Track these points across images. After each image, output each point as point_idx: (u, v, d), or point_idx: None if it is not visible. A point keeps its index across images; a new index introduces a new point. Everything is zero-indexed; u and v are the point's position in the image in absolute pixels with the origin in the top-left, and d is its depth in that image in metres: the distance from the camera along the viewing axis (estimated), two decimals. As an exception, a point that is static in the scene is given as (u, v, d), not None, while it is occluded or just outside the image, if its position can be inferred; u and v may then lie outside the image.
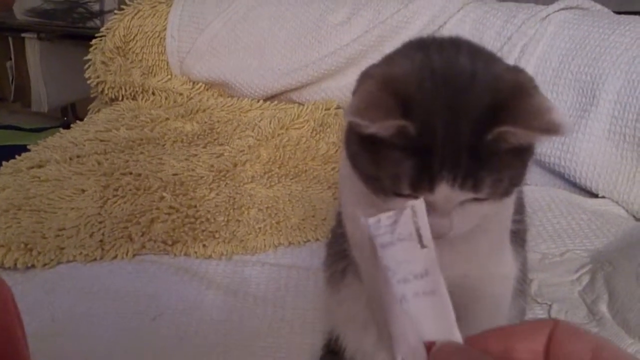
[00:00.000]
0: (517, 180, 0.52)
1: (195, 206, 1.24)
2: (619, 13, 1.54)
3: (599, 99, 1.35)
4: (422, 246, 0.43)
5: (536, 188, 1.35)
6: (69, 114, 3.14)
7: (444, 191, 0.49)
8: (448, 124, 0.48)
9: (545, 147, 1.40)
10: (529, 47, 1.47)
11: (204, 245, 1.14)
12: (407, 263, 0.42)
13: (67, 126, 1.80)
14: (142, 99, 1.85)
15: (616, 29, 1.40)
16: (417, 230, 0.43)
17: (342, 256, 0.75)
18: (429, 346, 0.38)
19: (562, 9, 1.52)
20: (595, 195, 1.35)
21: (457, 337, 0.39)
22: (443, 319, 0.40)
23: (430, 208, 0.48)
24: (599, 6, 1.58)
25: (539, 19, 1.50)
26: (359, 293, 0.75)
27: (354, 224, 0.66)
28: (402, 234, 0.43)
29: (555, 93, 1.43)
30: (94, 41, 1.94)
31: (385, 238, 0.43)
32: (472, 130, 0.48)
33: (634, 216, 1.29)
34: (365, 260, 0.69)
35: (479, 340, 0.38)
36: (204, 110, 1.77)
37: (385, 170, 0.51)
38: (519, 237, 0.72)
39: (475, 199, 0.51)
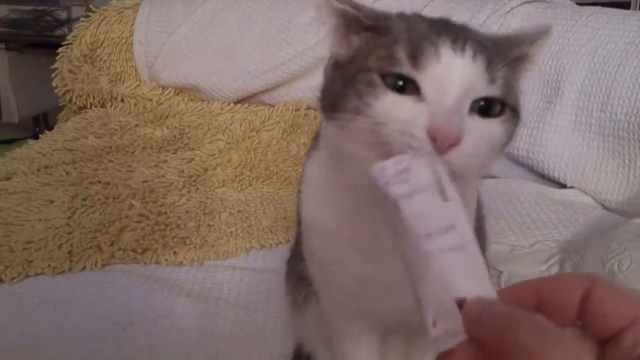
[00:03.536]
0: (518, 103, 0.51)
1: (166, 213, 1.24)
2: (583, 4, 1.56)
3: (564, 91, 1.37)
4: (445, 199, 0.40)
5: (505, 180, 1.36)
6: (41, 124, 3.11)
7: (452, 61, 0.46)
8: (444, 23, 0.52)
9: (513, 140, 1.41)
10: (493, 41, 1.48)
11: (174, 252, 1.13)
12: (428, 217, 0.39)
13: (38, 137, 1.78)
14: (110, 106, 1.84)
15: (578, 21, 1.42)
16: (439, 182, 0.41)
17: (303, 284, 0.74)
18: (460, 303, 0.35)
19: (525, 2, 1.54)
20: (564, 186, 1.36)
21: (491, 292, 0.36)
22: (474, 275, 0.37)
23: (440, 100, 0.45)
24: (561, -2, 1.60)
25: (502, 13, 1.52)
26: (320, 316, 0.74)
27: (315, 233, 0.64)
28: (421, 185, 0.40)
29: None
30: (60, 49, 1.93)
31: (400, 188, 0.40)
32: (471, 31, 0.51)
33: (602, 205, 1.30)
34: (322, 276, 0.67)
35: (511, 294, 0.36)
36: (174, 116, 1.76)
37: (376, 53, 0.48)
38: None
39: (487, 114, 0.48)
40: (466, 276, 0.37)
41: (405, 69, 0.46)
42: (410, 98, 0.46)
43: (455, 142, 0.44)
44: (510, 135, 0.50)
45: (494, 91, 0.47)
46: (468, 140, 0.44)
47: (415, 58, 0.46)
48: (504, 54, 0.50)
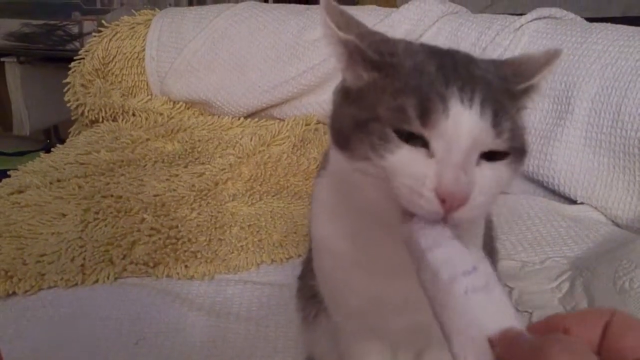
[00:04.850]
0: (524, 142, 0.51)
1: (177, 227, 1.24)
2: (594, 19, 1.56)
3: (574, 107, 1.37)
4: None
5: (515, 196, 1.37)
6: (52, 136, 3.13)
7: (460, 116, 0.45)
8: (451, 62, 0.50)
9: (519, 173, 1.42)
10: (503, 57, 1.48)
11: (186, 266, 1.14)
12: (453, 261, 0.41)
13: (49, 149, 1.80)
14: (122, 120, 1.85)
15: (588, 37, 1.42)
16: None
17: (315, 301, 0.74)
18: (490, 340, 0.37)
19: (535, 19, 1.54)
20: (574, 202, 1.36)
21: (520, 325, 0.38)
22: (500, 311, 0.39)
23: (448, 158, 0.45)
24: (571, 15, 1.60)
25: (512, 29, 1.52)
26: (331, 332, 0.74)
27: (324, 252, 0.65)
28: (443, 234, 0.44)
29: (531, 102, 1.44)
30: (72, 64, 1.95)
31: (424, 242, 0.43)
32: (481, 72, 0.49)
33: (612, 221, 1.30)
34: (331, 294, 0.68)
35: (539, 328, 0.37)
36: (185, 130, 1.77)
37: (386, 102, 0.48)
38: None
39: (493, 158, 0.48)
40: (492, 313, 0.38)
41: (415, 126, 0.46)
42: (422, 152, 0.46)
43: (463, 203, 0.45)
44: (517, 172, 0.50)
45: (499, 146, 0.47)
46: (476, 195, 0.45)
47: (424, 117, 0.45)
48: (512, 94, 0.51)
